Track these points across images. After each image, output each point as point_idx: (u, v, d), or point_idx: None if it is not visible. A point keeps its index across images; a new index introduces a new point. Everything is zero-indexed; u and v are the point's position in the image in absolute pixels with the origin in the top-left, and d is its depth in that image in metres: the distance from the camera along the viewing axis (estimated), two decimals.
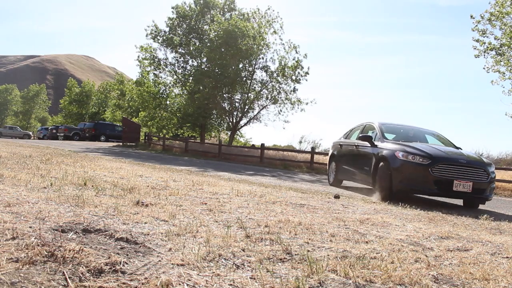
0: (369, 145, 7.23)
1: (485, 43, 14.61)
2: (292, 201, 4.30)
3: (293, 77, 21.67)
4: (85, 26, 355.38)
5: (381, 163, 6.59)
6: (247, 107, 22.70)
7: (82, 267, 1.56)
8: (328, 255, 2.13)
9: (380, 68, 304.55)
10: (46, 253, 1.64)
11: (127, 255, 1.81)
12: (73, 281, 1.44)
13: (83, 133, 30.60)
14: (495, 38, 14.50)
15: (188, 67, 23.82)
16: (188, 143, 20.20)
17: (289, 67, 21.62)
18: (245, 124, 23.82)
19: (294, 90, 21.82)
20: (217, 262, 1.85)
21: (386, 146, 6.71)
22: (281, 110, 22.28)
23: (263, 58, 22.18)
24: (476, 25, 14.69)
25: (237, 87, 21.95)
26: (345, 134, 9.09)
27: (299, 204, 4.12)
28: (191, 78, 22.99)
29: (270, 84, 22.13)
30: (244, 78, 22.13)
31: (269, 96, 22.24)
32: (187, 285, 1.53)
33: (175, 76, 24.06)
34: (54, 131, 32.97)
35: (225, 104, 23.24)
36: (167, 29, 23.45)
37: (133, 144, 23.35)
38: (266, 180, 8.09)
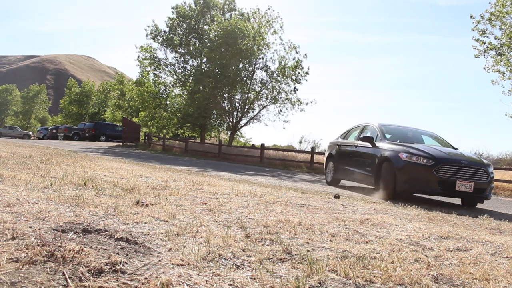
0: (370, 146, 7.34)
1: (485, 43, 14.61)
2: (292, 201, 4.30)
3: (293, 77, 21.69)
4: (85, 26, 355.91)
5: (384, 164, 6.73)
6: (247, 107, 22.71)
7: (82, 267, 1.56)
8: (328, 255, 2.13)
9: (380, 68, 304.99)
10: (46, 253, 1.64)
11: (127, 255, 1.81)
12: (73, 281, 1.44)
13: (83, 133, 30.60)
14: (495, 38, 14.51)
15: (188, 67, 23.84)
16: (188, 143, 20.21)
17: (289, 67, 21.62)
18: (245, 124, 23.85)
19: (295, 90, 21.85)
20: (217, 262, 1.85)
21: (388, 147, 6.85)
22: (281, 110, 22.33)
23: (263, 58, 22.22)
24: (476, 25, 14.69)
25: (237, 87, 21.96)
26: (342, 134, 9.18)
27: (299, 204, 4.12)
28: (191, 78, 23.00)
29: (270, 84, 22.14)
30: (244, 78, 22.14)
31: (269, 96, 22.26)
32: (187, 285, 1.53)
33: (175, 76, 24.07)
34: (54, 131, 32.97)
35: (225, 104, 23.25)
36: (167, 29, 23.47)
37: (133, 144, 23.35)
38: (266, 180, 8.09)
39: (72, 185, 3.72)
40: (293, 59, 21.80)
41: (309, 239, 2.46)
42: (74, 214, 2.46)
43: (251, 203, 3.77)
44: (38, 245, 1.73)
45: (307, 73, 21.76)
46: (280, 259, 1.99)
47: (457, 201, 7.27)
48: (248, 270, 1.79)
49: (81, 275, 1.49)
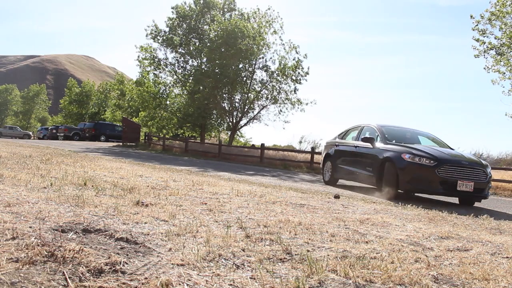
0: (371, 147, 7.41)
1: (485, 43, 14.60)
2: (292, 201, 4.30)
3: (293, 77, 21.68)
4: (85, 26, 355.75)
5: (387, 164, 6.80)
6: (247, 107, 22.70)
7: (82, 267, 1.56)
8: (328, 255, 2.13)
9: (380, 68, 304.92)
10: (46, 253, 1.64)
11: (127, 255, 1.81)
12: (73, 281, 1.44)
13: (83, 133, 30.60)
14: (495, 38, 14.51)
15: (188, 67, 23.83)
16: (188, 143, 20.21)
17: (289, 67, 21.62)
18: (245, 124, 23.84)
19: (295, 90, 21.84)
20: (217, 262, 1.85)
21: (390, 148, 6.93)
22: (281, 110, 22.32)
23: (263, 58, 22.22)
24: (476, 25, 14.68)
25: (237, 87, 21.95)
26: (340, 134, 9.24)
27: (299, 204, 4.12)
28: (191, 78, 22.99)
29: (270, 84, 22.13)
30: (244, 78, 22.14)
31: (269, 96, 22.26)
32: (187, 285, 1.53)
33: (175, 76, 24.07)
34: (54, 131, 32.97)
35: (225, 104, 23.25)
36: (167, 29, 23.46)
37: (133, 144, 23.35)
38: (266, 180, 8.09)
39: (72, 185, 3.72)
40: (293, 59, 21.83)
41: (309, 239, 2.46)
42: (74, 214, 2.46)
43: (251, 203, 3.77)
44: (38, 245, 1.73)
45: (307, 73, 21.77)
46: (280, 259, 1.99)
47: (455, 200, 7.38)
48: (248, 270, 1.79)
49: (81, 275, 1.49)
